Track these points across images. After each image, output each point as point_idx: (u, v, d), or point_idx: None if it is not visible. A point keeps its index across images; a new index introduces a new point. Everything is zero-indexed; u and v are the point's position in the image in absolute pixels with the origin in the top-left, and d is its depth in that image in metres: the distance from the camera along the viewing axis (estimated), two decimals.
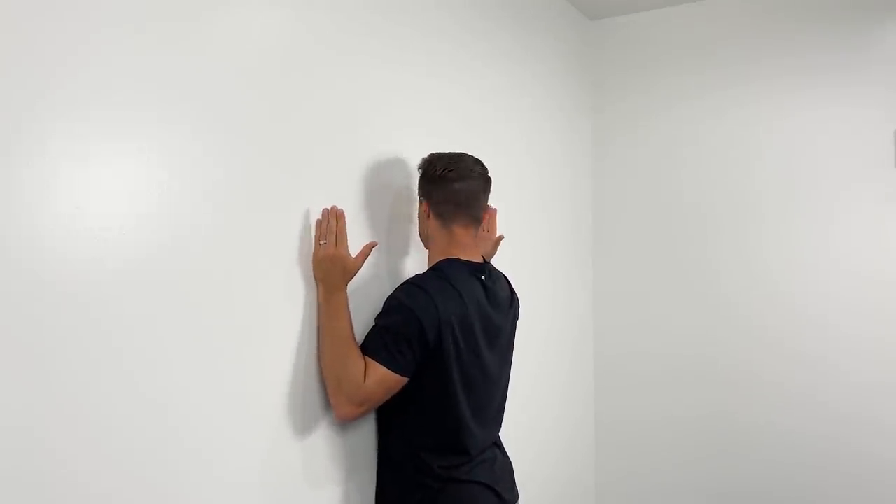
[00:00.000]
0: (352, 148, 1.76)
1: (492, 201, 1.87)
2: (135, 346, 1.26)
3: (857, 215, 2.56)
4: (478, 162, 1.79)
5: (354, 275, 1.64)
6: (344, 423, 1.66)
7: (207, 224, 1.40)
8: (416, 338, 1.60)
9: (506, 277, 1.92)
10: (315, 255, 1.62)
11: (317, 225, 1.63)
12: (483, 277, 1.75)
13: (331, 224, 1.62)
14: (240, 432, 1.46)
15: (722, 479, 2.75)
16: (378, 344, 1.61)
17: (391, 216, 1.88)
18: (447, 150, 1.81)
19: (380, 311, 1.68)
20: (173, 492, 1.33)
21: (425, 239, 1.82)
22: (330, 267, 1.60)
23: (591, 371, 3.00)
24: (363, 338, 1.67)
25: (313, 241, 1.62)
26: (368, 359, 1.60)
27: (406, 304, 1.62)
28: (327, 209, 1.64)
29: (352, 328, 1.62)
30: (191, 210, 1.37)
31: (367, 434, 1.76)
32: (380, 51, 1.86)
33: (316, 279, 1.62)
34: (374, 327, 1.65)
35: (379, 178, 1.83)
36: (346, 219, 1.66)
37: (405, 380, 1.61)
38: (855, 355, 2.55)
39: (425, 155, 1.80)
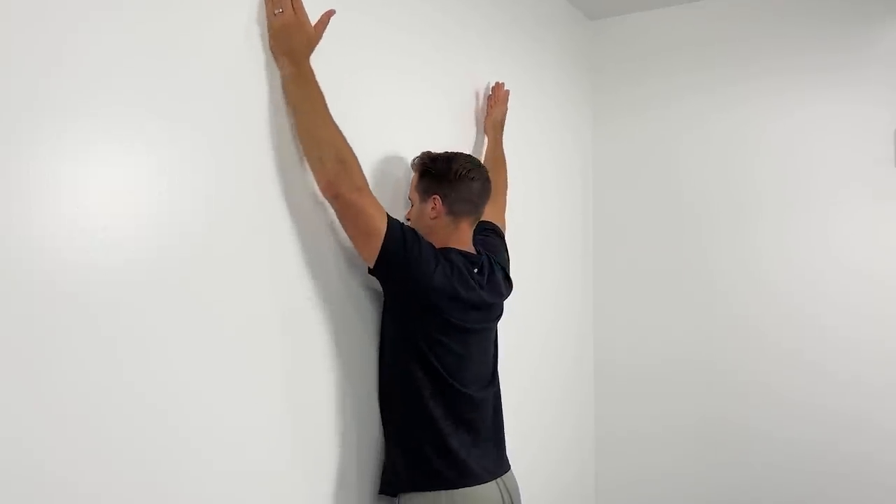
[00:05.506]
0: (352, 145, 1.75)
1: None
2: (136, 346, 1.26)
3: (857, 214, 2.56)
4: (481, 163, 1.89)
5: (317, 44, 1.54)
6: (334, 196, 1.56)
7: (208, 222, 1.40)
8: (416, 262, 1.61)
9: (498, 262, 1.91)
10: (272, 26, 1.50)
11: None
12: (476, 270, 1.77)
13: None
14: (244, 433, 1.46)
15: (722, 484, 2.74)
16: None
17: (389, 212, 1.87)
18: (444, 150, 1.82)
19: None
20: (174, 492, 1.32)
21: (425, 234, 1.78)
22: (292, 35, 1.49)
23: (590, 374, 2.99)
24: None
25: (266, 12, 1.50)
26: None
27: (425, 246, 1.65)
28: None
29: None
30: (191, 208, 1.37)
31: (376, 427, 1.77)
32: (381, 49, 1.86)
33: (276, 53, 1.51)
34: None
35: (379, 174, 1.82)
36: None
37: (382, 232, 1.58)
38: (855, 358, 2.53)
39: (420, 154, 1.80)
